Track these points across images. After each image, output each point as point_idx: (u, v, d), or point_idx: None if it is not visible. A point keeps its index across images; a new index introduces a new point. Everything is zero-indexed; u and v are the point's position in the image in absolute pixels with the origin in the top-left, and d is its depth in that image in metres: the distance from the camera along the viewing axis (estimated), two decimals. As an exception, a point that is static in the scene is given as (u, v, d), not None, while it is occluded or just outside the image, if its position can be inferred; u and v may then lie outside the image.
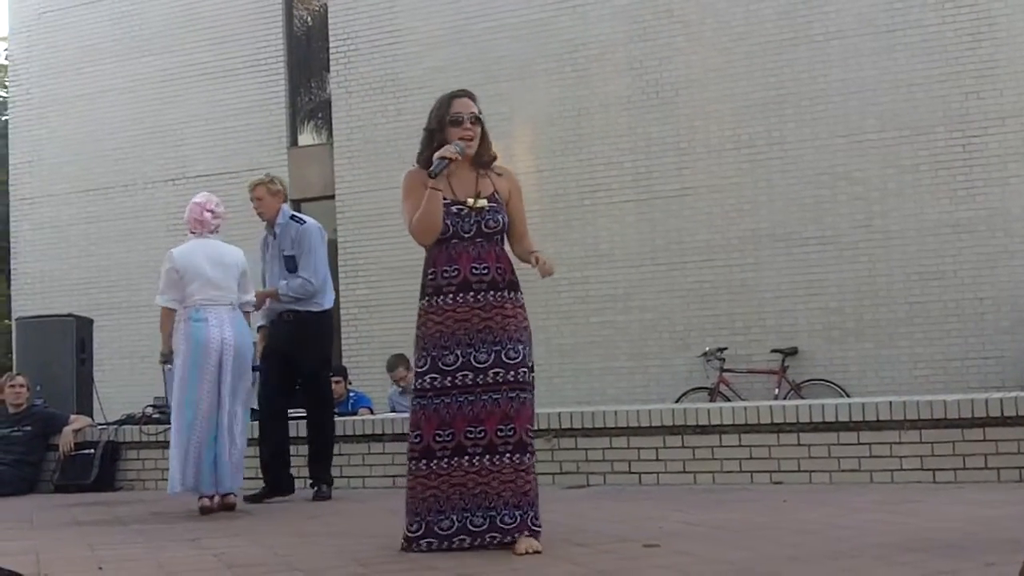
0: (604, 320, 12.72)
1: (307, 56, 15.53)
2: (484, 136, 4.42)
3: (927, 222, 11.80)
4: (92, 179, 15.51)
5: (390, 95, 14.07)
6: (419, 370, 4.27)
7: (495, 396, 4.15)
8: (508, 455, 4.15)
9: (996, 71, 11.65)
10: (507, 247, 4.43)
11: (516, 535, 4.10)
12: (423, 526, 4.19)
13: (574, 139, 12.95)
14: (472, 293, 4.23)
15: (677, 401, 11.60)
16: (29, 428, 8.67)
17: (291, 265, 6.99)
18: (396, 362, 10.43)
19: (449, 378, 4.19)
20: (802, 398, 11.07)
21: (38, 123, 15.98)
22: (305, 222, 7.07)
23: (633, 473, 7.01)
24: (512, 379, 4.17)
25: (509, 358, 4.18)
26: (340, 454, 7.58)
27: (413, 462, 4.23)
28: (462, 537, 4.15)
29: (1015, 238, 11.52)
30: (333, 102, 14.55)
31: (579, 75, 13.24)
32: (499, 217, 4.32)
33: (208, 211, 6.67)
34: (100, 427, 8.84)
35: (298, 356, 7.06)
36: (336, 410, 9.16)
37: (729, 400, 11.44)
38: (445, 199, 4.28)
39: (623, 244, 12.60)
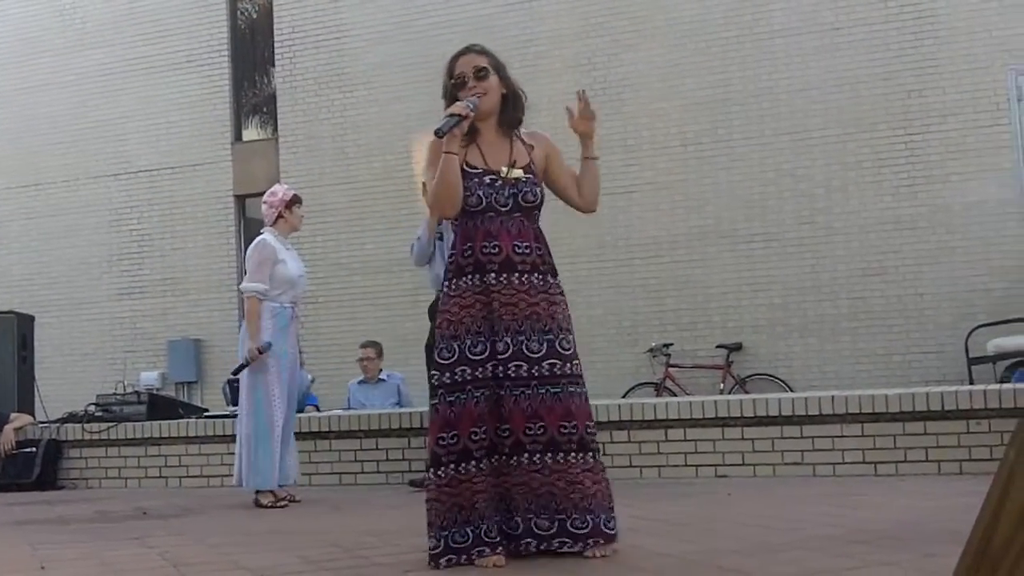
0: (551, 316, 12.71)
1: (251, 50, 15.41)
2: (511, 92, 4.02)
3: (870, 219, 11.94)
4: (33, 174, 15.29)
5: (336, 90, 14.01)
6: (444, 362, 3.73)
7: (554, 390, 3.75)
8: (573, 454, 3.73)
9: (938, 69, 11.80)
10: (551, 221, 4.07)
11: (590, 541, 3.68)
12: (472, 534, 3.65)
13: (521, 135, 12.92)
14: (516, 274, 3.76)
15: (624, 396, 11.65)
16: (-31, 427, 8.56)
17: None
18: (368, 343, 10.00)
19: (480, 369, 3.70)
20: (747, 393, 11.16)
21: (-23, 117, 15.73)
22: None
23: (580, 468, 7.02)
24: (570, 372, 3.81)
25: (563, 348, 3.79)
26: (286, 451, 7.54)
27: (453, 466, 3.66)
28: (528, 540, 3.68)
29: (956, 235, 11.67)
30: (278, 96, 14.45)
31: (527, 71, 13.17)
32: (536, 190, 3.90)
33: (264, 203, 6.68)
34: (42, 425, 8.74)
35: None
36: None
37: (675, 395, 11.50)
38: (476, 167, 3.85)
39: (570, 240, 12.59)
